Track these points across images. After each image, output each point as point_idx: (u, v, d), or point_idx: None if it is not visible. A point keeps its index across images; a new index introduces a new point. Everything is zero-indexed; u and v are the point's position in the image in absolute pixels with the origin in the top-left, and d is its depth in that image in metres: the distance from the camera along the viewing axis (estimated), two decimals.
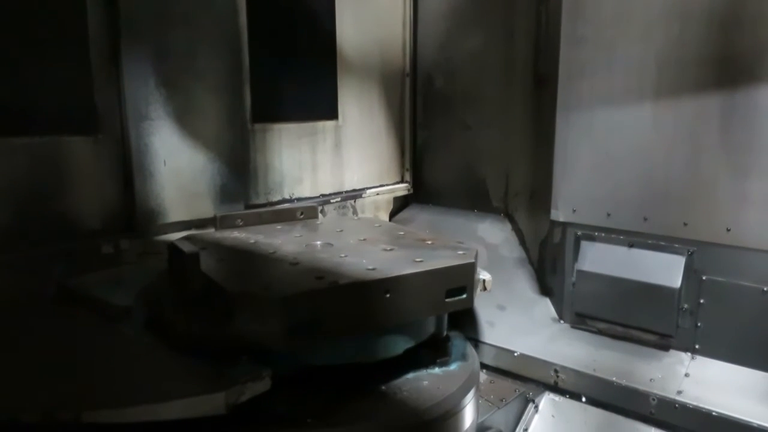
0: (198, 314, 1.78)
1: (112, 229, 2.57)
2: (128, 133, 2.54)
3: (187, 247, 1.88)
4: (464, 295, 1.98)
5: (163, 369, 1.69)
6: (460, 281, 1.96)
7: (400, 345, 2.00)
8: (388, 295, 1.78)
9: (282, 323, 1.61)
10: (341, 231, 2.48)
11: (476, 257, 2.07)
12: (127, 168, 2.58)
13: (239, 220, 2.57)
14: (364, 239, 2.30)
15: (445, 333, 2.24)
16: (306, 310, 1.64)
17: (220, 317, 1.70)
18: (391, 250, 2.14)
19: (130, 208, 2.60)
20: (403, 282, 1.82)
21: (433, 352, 2.13)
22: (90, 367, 1.72)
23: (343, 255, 2.05)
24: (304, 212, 2.70)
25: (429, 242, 2.23)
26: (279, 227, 2.55)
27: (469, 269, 1.99)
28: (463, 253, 2.06)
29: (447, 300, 1.94)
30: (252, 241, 2.30)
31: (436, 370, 2.08)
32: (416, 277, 1.85)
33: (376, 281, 1.78)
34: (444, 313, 2.16)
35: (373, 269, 1.85)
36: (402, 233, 2.42)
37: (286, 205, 2.78)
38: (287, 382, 1.70)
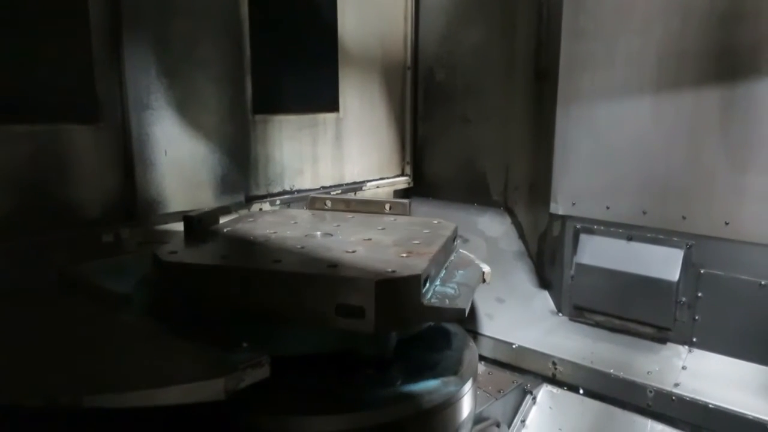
0: None
1: (113, 218, 2.57)
2: (129, 123, 2.54)
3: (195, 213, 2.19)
4: (362, 318, 1.65)
5: (163, 355, 1.69)
6: (352, 299, 1.66)
7: (290, 347, 1.82)
8: (265, 291, 1.74)
9: (167, 288, 1.84)
10: (382, 229, 2.28)
11: (403, 282, 1.68)
12: (127, 157, 2.58)
13: (327, 204, 2.63)
14: (370, 239, 2.13)
15: (387, 356, 1.93)
16: (189, 281, 1.83)
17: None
18: (353, 252, 1.93)
19: (131, 197, 2.60)
20: (275, 281, 1.73)
21: (375, 373, 1.91)
22: (90, 353, 1.73)
23: (300, 246, 2.00)
24: (393, 206, 2.57)
25: (404, 255, 1.91)
26: (350, 216, 2.50)
27: (365, 287, 1.64)
28: (391, 271, 1.71)
29: (339, 317, 1.68)
30: (294, 222, 2.39)
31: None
32: (289, 279, 1.71)
33: (250, 271, 1.78)
34: (336, 329, 1.72)
35: (277, 261, 1.84)
36: (417, 242, 2.07)
37: (382, 198, 2.66)
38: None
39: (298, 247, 2.01)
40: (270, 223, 2.39)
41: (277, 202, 3.27)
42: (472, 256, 2.25)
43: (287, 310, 1.73)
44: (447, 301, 1.78)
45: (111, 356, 1.71)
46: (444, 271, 2.03)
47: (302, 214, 2.60)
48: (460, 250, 2.32)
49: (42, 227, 2.34)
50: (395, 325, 1.77)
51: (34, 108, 2.32)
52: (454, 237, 2.25)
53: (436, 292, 1.83)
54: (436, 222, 2.35)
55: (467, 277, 2.01)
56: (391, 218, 2.46)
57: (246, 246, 2.10)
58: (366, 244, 2.05)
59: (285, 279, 1.73)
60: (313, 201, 2.69)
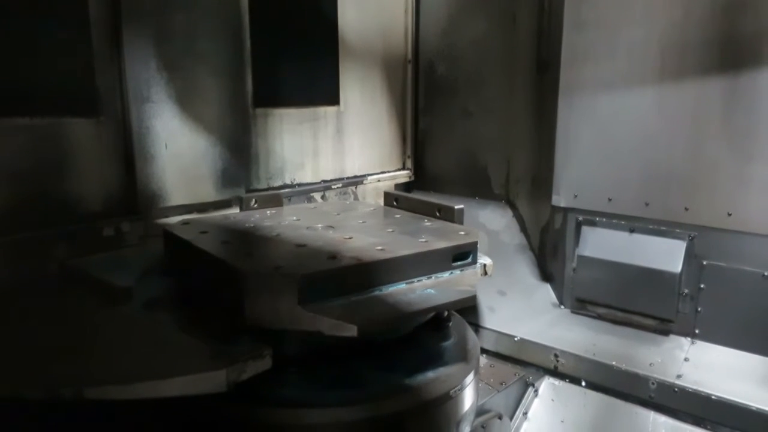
0: None
1: (114, 211, 2.56)
2: (129, 116, 2.53)
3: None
4: (240, 311, 1.63)
5: (165, 347, 1.70)
6: (235, 289, 1.64)
7: None
8: (198, 268, 1.91)
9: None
10: (391, 231, 2.19)
11: (276, 281, 1.61)
12: (128, 151, 2.57)
13: (395, 202, 2.62)
14: (351, 237, 2.05)
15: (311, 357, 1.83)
16: (172, 247, 2.12)
17: None
18: (302, 246, 1.94)
19: (132, 190, 2.59)
20: (201, 260, 1.86)
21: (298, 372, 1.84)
22: (92, 345, 1.73)
23: (275, 234, 2.10)
24: (443, 211, 2.38)
25: (331, 257, 1.82)
26: (398, 216, 2.42)
27: (239, 279, 1.62)
28: (275, 268, 1.67)
29: (227, 305, 1.71)
30: (337, 214, 2.46)
31: None
32: (204, 259, 1.83)
33: (192, 247, 1.94)
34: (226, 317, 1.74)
35: (225, 242, 2.01)
36: (380, 248, 1.92)
37: (433, 200, 2.52)
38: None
39: (274, 234, 2.08)
40: (310, 212, 2.50)
41: None
42: (473, 286, 1.90)
43: (210, 291, 1.86)
44: (342, 314, 1.60)
45: (113, 349, 1.71)
46: (402, 285, 1.83)
47: (362, 207, 2.63)
48: (475, 271, 2.04)
49: (43, 221, 2.34)
50: (273, 325, 1.65)
51: (34, 101, 2.32)
52: (456, 254, 1.99)
53: (350, 303, 1.67)
54: (462, 233, 2.11)
55: (423, 298, 1.76)
56: (428, 222, 2.33)
57: (238, 228, 2.22)
58: (333, 241, 1.99)
59: (203, 259, 1.84)
60: (387, 196, 2.66)
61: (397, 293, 1.78)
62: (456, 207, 2.33)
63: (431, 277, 1.91)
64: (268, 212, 2.49)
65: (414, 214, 2.46)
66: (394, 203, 2.62)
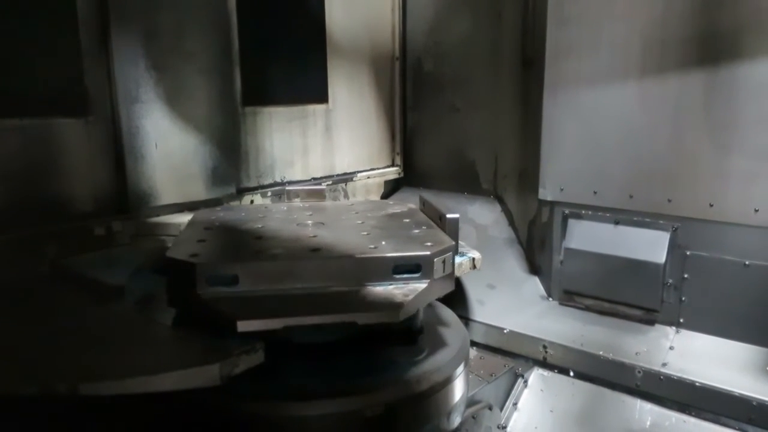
0: None
1: (105, 211, 2.59)
2: (119, 116, 2.55)
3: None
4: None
5: (158, 343, 1.72)
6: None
7: None
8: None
9: None
10: (367, 234, 2.07)
11: (182, 265, 1.67)
12: (118, 150, 2.59)
13: (423, 206, 2.55)
14: (315, 236, 2.04)
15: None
16: None
17: None
18: (258, 238, 1.98)
19: (122, 190, 2.62)
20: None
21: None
22: (85, 343, 1.75)
23: (260, 226, 2.15)
24: (442, 219, 2.20)
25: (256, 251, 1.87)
26: (407, 221, 2.30)
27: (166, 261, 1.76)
28: (192, 255, 1.73)
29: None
30: (355, 212, 2.41)
31: None
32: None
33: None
34: None
35: (207, 228, 2.09)
36: (318, 249, 1.86)
37: (440, 207, 2.42)
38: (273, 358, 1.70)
39: (259, 226, 2.14)
40: (332, 208, 2.54)
41: (268, 194, 3.29)
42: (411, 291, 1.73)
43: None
44: (235, 307, 1.61)
45: (106, 345, 1.73)
46: (320, 290, 1.75)
47: (391, 208, 2.57)
48: (416, 287, 1.76)
49: (34, 221, 2.35)
50: (184, 307, 1.76)
51: (23, 102, 2.33)
52: (398, 266, 1.79)
53: (253, 299, 1.67)
54: (429, 244, 1.90)
55: (323, 307, 1.69)
56: (419, 230, 2.17)
57: (242, 218, 2.27)
58: (292, 238, 1.99)
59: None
60: (420, 200, 2.58)
61: (305, 297, 1.71)
62: (448, 216, 2.14)
63: (366, 286, 1.77)
64: (301, 204, 2.55)
65: (427, 219, 2.35)
66: (422, 207, 2.53)
